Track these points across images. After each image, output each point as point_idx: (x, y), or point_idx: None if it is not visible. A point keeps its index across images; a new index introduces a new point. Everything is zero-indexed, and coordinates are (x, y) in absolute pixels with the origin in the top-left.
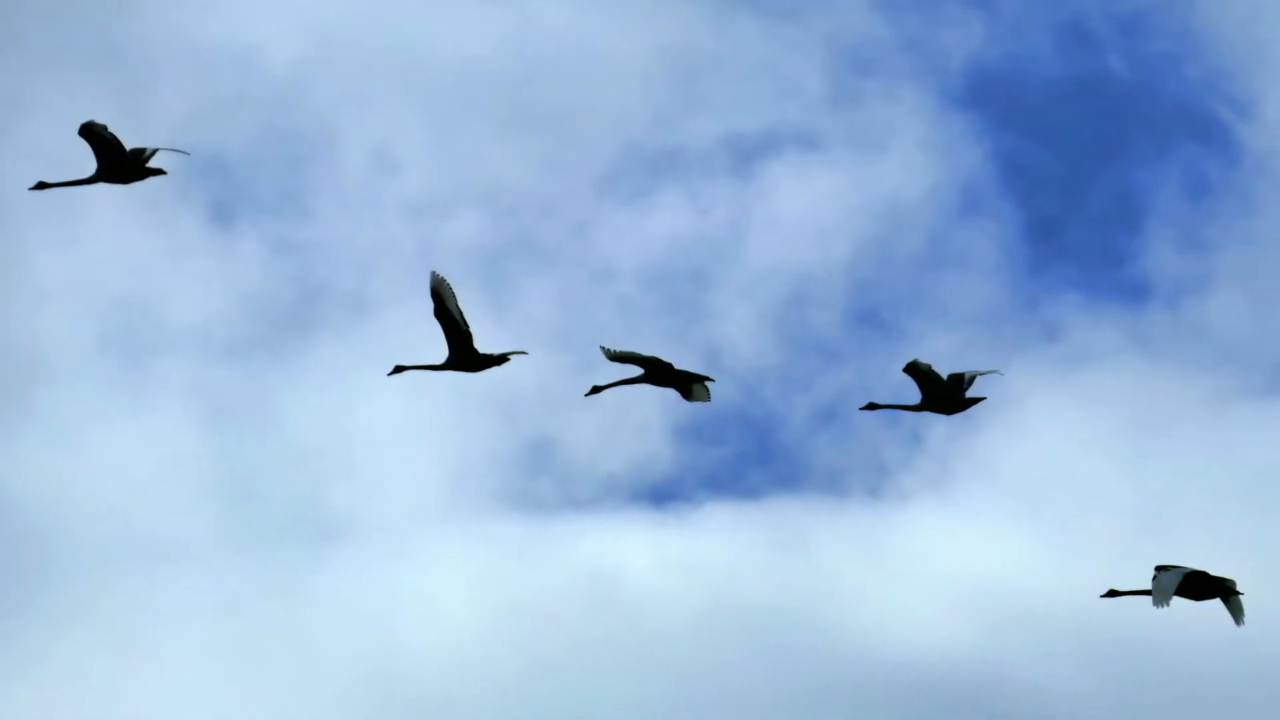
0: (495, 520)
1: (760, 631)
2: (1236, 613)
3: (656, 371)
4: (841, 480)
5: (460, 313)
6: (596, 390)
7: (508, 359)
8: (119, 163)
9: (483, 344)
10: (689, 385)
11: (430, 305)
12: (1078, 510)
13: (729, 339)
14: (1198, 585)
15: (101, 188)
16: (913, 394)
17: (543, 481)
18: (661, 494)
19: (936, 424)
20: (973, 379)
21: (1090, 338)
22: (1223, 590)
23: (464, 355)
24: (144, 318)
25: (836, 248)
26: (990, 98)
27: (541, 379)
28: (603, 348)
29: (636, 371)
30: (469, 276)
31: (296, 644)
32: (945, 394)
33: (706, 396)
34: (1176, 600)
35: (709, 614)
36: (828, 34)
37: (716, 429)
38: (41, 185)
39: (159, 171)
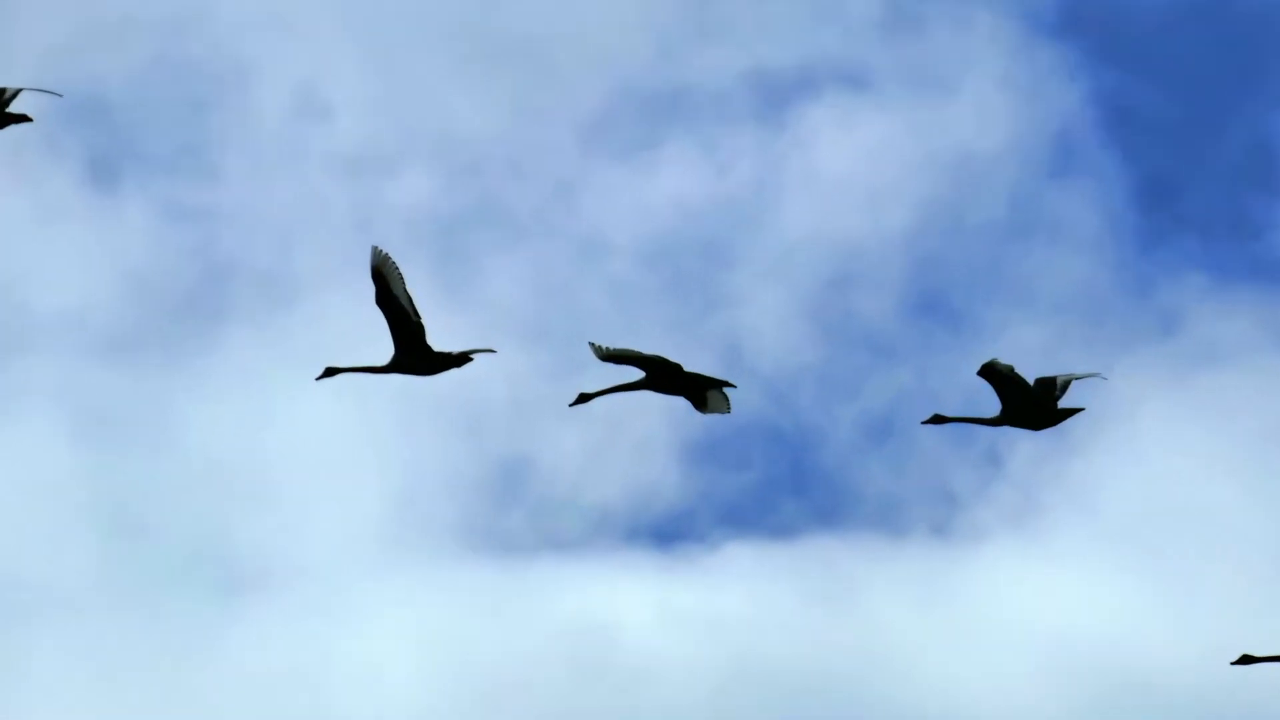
0: (453, 564)
1: (793, 704)
2: None
3: (661, 375)
4: (898, 515)
5: (409, 298)
6: (584, 399)
7: (470, 359)
8: None
9: (438, 339)
10: (703, 392)
11: (370, 289)
12: (1201, 551)
13: (753, 331)
14: None
15: None
16: (990, 404)
17: (514, 515)
18: (668, 532)
19: (1020, 441)
20: (1066, 385)
21: (1217, 331)
22: None
23: (414, 353)
24: (3, 303)
25: (891, 215)
26: (1088, 24)
27: (513, 383)
28: (592, 345)
29: (636, 375)
30: (420, 251)
31: (198, 717)
32: (1031, 404)
33: (725, 407)
34: None
35: (728, 682)
36: None
37: (737, 448)
38: None
39: (22, 118)
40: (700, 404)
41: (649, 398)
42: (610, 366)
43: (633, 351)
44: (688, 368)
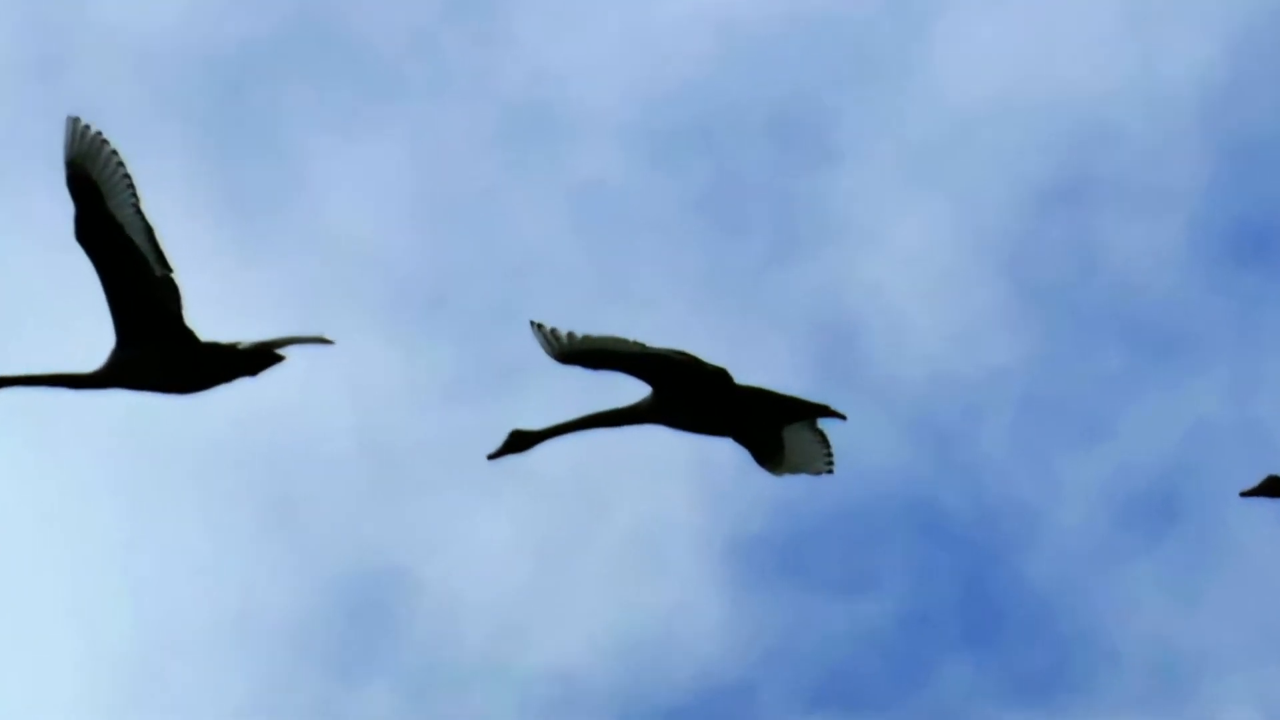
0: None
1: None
2: None
3: (689, 393)
4: None
5: (146, 226)
6: (519, 442)
7: (279, 358)
8: None
9: (210, 316)
10: (776, 427)
11: (66, 206)
12: None
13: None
14: None
15: None
16: None
17: (375, 685)
18: None
19: None
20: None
21: None
22: None
23: (156, 344)
24: None
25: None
26: None
27: (372, 416)
28: (537, 327)
29: (635, 394)
30: (190, 128)
31: None
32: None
33: (824, 463)
34: None
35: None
36: None
37: (866, 553)
38: None
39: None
40: (770, 456)
41: (656, 439)
42: (582, 373)
43: (625, 343)
44: (742, 380)
